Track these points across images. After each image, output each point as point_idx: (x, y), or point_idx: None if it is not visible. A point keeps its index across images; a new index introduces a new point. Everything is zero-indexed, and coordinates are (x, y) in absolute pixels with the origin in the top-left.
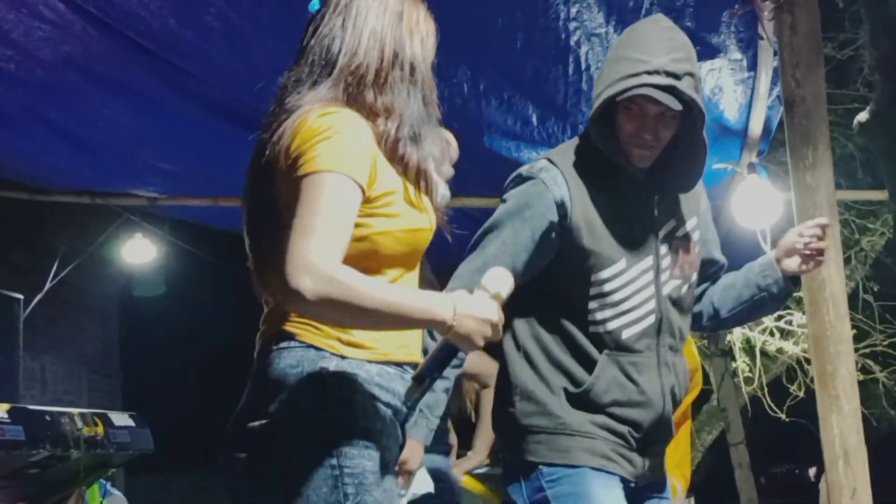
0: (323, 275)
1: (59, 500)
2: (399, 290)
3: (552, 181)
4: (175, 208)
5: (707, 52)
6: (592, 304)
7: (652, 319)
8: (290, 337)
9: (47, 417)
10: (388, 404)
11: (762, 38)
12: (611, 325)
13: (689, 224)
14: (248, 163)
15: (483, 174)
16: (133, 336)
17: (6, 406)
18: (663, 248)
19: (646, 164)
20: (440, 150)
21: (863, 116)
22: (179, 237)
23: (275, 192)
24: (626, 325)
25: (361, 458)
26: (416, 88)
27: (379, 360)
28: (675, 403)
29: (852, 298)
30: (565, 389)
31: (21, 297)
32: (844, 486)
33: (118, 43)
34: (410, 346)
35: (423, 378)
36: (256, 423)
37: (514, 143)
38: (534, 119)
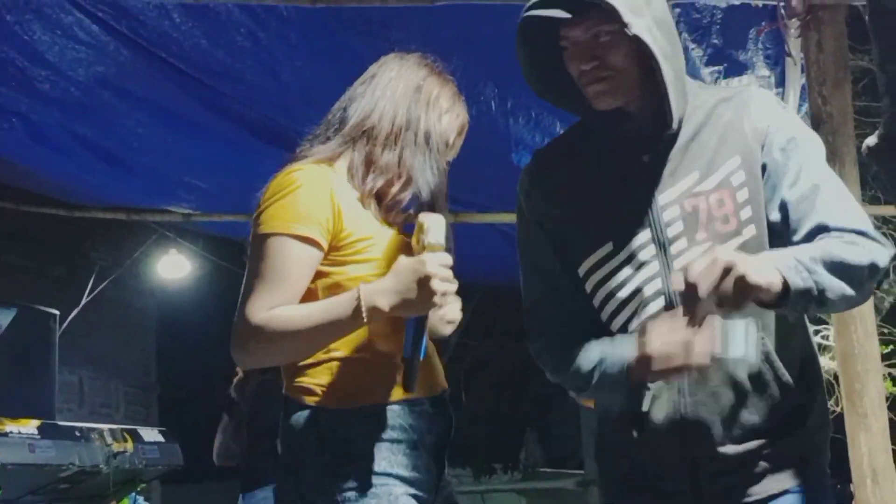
0: (246, 331)
1: None
2: (309, 307)
3: (520, 180)
4: (209, 224)
5: (735, 68)
6: (597, 303)
7: (661, 303)
8: (288, 398)
9: (77, 434)
10: (396, 440)
11: (789, 55)
12: (615, 324)
13: (725, 168)
14: None
15: (512, 190)
16: (169, 349)
17: (37, 422)
18: (670, 213)
19: (607, 102)
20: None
21: (871, 140)
22: (213, 252)
23: None
24: (629, 320)
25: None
26: (431, 156)
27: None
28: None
29: (890, 314)
30: None
31: (57, 312)
32: None
33: (151, 63)
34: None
35: (407, 361)
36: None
37: None
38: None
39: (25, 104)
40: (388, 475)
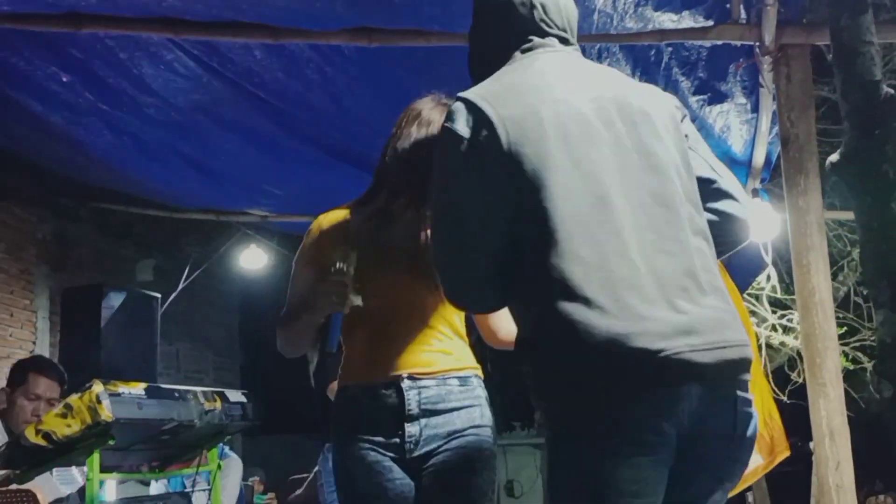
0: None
1: (185, 460)
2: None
3: None
4: (282, 224)
5: (717, 97)
6: None
7: None
8: None
9: (176, 395)
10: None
11: (762, 86)
12: None
13: None
14: None
15: None
16: (249, 325)
17: (144, 385)
18: None
19: None
20: None
21: (834, 157)
22: (286, 247)
23: None
24: None
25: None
26: None
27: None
28: None
29: (845, 301)
30: None
31: (159, 295)
32: (830, 460)
33: (237, 92)
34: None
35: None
36: None
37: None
38: None
39: (135, 125)
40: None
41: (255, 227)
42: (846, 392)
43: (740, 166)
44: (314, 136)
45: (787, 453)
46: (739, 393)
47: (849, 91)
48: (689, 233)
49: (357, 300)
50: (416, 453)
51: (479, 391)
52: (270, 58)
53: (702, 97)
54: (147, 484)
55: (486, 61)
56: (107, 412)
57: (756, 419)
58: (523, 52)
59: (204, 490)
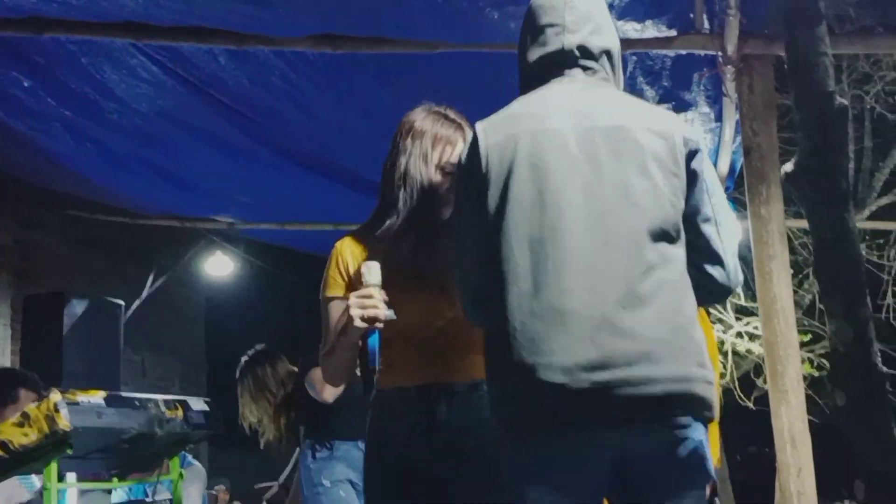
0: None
1: (146, 468)
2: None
3: None
4: (249, 231)
5: (681, 105)
6: None
7: None
8: None
9: (136, 403)
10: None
11: (726, 95)
12: None
13: None
14: None
15: None
16: (215, 333)
17: (104, 393)
18: None
19: None
20: None
21: (788, 167)
22: (252, 254)
23: None
24: None
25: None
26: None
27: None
28: None
29: (810, 308)
30: None
31: (122, 303)
32: (791, 466)
33: (202, 98)
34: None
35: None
36: None
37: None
38: None
39: (99, 131)
40: None
41: (221, 234)
42: (811, 399)
43: None
44: (281, 144)
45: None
46: (666, 424)
47: (803, 102)
48: (644, 268)
49: (390, 313)
50: (440, 462)
51: None
52: (235, 64)
53: (667, 105)
54: (109, 493)
55: (523, 83)
56: (64, 421)
57: (694, 444)
58: (544, 80)
59: (166, 499)
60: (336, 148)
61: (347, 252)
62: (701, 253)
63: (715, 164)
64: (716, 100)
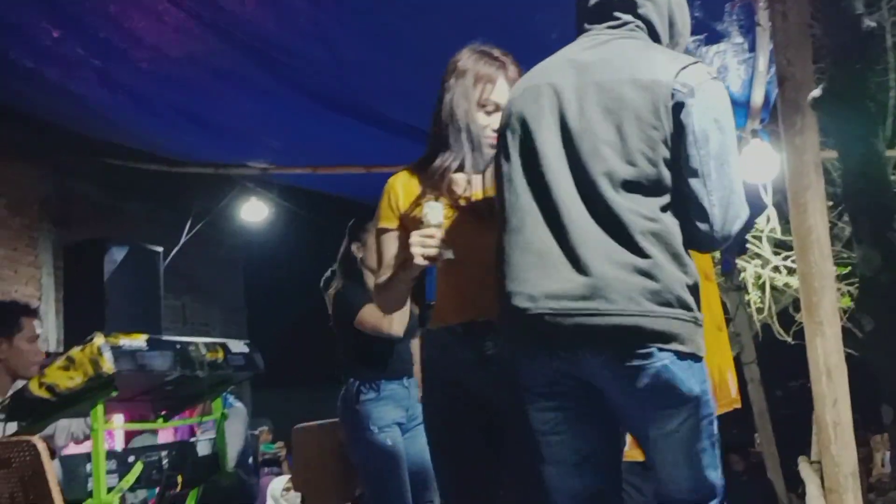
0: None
1: (190, 409)
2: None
3: None
4: (282, 176)
5: (713, 37)
6: None
7: None
8: None
9: (178, 346)
10: None
11: (759, 25)
12: None
13: None
14: None
15: None
16: (254, 278)
17: (145, 336)
18: None
19: None
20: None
21: (816, 93)
22: (286, 199)
23: None
24: None
25: None
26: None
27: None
28: None
29: (849, 241)
30: None
31: (161, 249)
32: (827, 397)
33: (230, 42)
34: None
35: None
36: None
37: None
38: None
39: (129, 79)
40: None
41: (255, 179)
42: (850, 332)
43: (740, 107)
44: (310, 86)
45: (730, 407)
46: (618, 353)
47: (831, 26)
48: (610, 216)
49: (449, 253)
50: (497, 392)
51: None
52: (262, 7)
53: (698, 37)
54: (155, 433)
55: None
56: (108, 364)
57: (655, 370)
58: (581, 30)
59: (209, 439)
60: (365, 89)
61: (399, 187)
62: (687, 204)
63: (749, 96)
64: (749, 29)
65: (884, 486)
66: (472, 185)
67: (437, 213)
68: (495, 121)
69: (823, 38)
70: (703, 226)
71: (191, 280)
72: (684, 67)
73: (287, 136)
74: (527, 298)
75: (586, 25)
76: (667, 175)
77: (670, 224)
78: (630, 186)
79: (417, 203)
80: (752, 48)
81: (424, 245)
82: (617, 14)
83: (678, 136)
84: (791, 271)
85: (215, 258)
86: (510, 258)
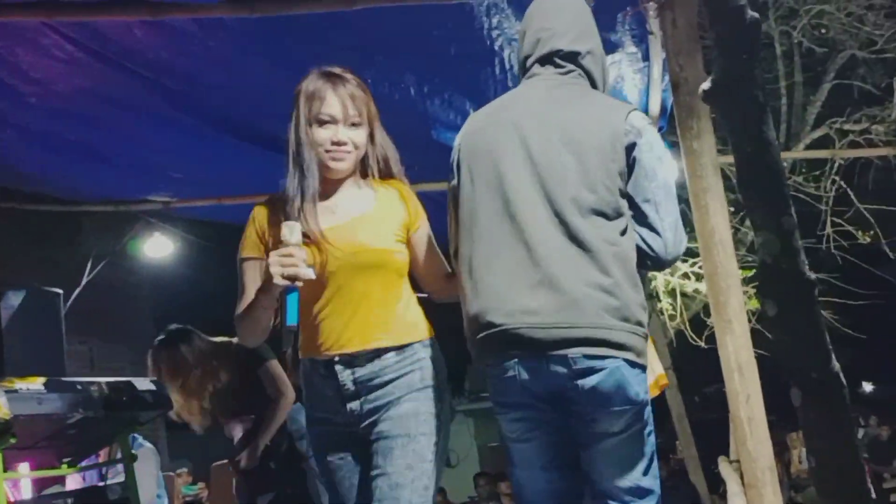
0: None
1: (95, 453)
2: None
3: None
4: (186, 209)
5: (608, 47)
6: None
7: None
8: None
9: (78, 387)
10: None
11: (651, 33)
12: None
13: None
14: None
15: (433, 162)
16: (163, 315)
17: (43, 379)
18: None
19: None
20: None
21: (706, 85)
22: (192, 232)
23: None
24: None
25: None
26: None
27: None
28: None
29: (753, 245)
30: None
31: (61, 291)
32: (740, 393)
33: (122, 73)
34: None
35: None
36: None
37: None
38: (471, 112)
39: (18, 116)
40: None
41: (157, 214)
42: (758, 332)
43: None
44: (209, 114)
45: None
46: (584, 358)
47: (716, 18)
48: (576, 240)
49: (310, 273)
50: (362, 426)
51: (422, 354)
52: (152, 35)
53: None
54: (64, 481)
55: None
56: (4, 410)
57: (610, 371)
58: (527, 77)
59: (119, 483)
60: (264, 114)
61: (262, 215)
62: (642, 227)
63: (646, 105)
64: (642, 38)
65: (802, 483)
66: (309, 211)
67: (295, 232)
68: (333, 132)
69: (710, 30)
70: (657, 245)
71: (96, 323)
72: (630, 112)
73: (189, 167)
74: (503, 315)
75: (536, 68)
76: (623, 203)
77: (628, 248)
78: (593, 212)
79: (279, 224)
80: (646, 57)
81: (283, 265)
82: (561, 63)
83: (631, 170)
84: (700, 277)
85: (121, 298)
86: (482, 278)
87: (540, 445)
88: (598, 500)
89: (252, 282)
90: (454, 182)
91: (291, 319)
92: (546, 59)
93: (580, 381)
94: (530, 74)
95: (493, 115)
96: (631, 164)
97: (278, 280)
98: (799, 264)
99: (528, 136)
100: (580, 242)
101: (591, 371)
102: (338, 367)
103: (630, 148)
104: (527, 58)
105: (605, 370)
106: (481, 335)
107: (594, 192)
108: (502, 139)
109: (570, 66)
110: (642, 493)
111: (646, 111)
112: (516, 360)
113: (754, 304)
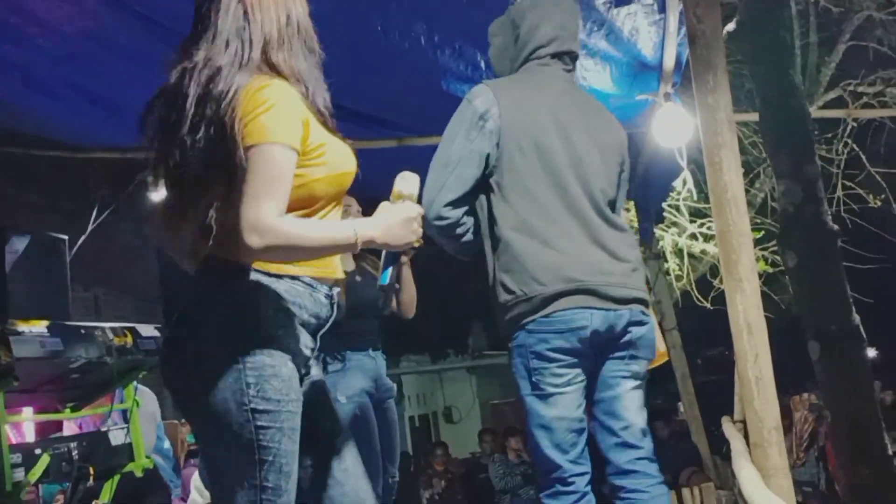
0: (264, 230)
1: (98, 398)
2: (314, 226)
3: None
4: None
5: None
6: None
7: None
8: (213, 258)
9: (82, 331)
10: (293, 314)
11: None
12: None
13: None
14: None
15: (444, 113)
16: (170, 265)
17: (45, 322)
18: None
19: None
20: (322, 97)
21: (730, 26)
22: None
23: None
24: None
25: (262, 356)
26: (305, 46)
27: (287, 276)
28: None
29: (762, 207)
30: None
31: (66, 237)
32: (748, 353)
33: (128, 15)
34: (318, 266)
35: (384, 287)
36: (180, 333)
37: (468, 85)
38: (482, 64)
39: (24, 58)
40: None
41: None
42: (766, 295)
43: (651, 71)
44: None
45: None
46: (634, 310)
47: None
48: (604, 222)
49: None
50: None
51: None
52: None
53: (608, 2)
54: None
55: (524, 59)
56: (6, 351)
57: (647, 328)
58: (539, 63)
59: (122, 428)
60: None
61: (307, 112)
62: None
63: (661, 58)
64: None
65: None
66: None
67: (411, 183)
68: None
69: None
70: (643, 230)
71: (102, 271)
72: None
73: None
74: (583, 272)
75: (548, 59)
76: (621, 196)
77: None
78: (611, 203)
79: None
80: (662, 9)
81: (416, 231)
82: (569, 63)
83: (628, 168)
84: (707, 238)
85: (127, 247)
86: (550, 240)
87: (579, 390)
88: (619, 442)
89: (291, 181)
90: (494, 142)
91: (384, 279)
92: (558, 56)
93: (634, 329)
94: (543, 63)
95: (530, 96)
96: (628, 162)
97: (416, 244)
98: (822, 213)
99: (568, 128)
100: (615, 225)
101: (641, 323)
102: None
103: (628, 149)
104: (539, 47)
105: (648, 325)
106: (560, 287)
107: (612, 187)
108: (544, 124)
109: (573, 67)
110: (647, 432)
111: (660, 66)
112: (593, 309)
113: (762, 267)
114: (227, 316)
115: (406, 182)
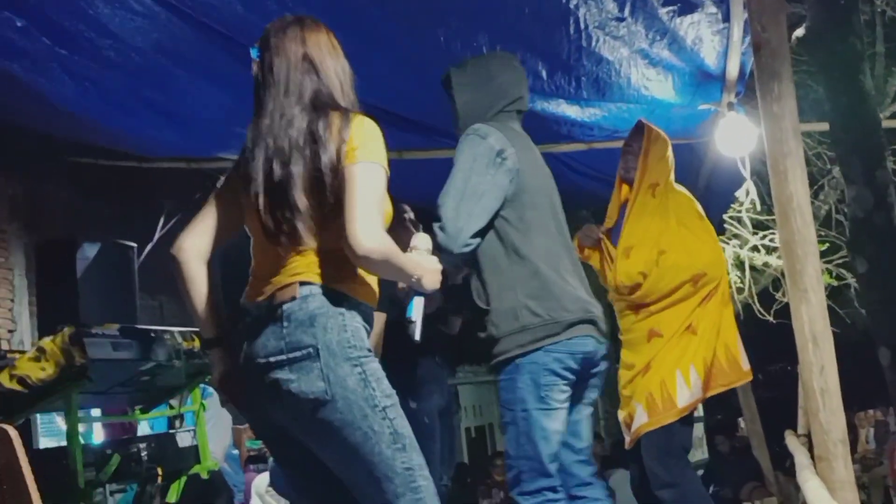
0: (374, 244)
1: (167, 401)
2: (406, 256)
3: None
4: None
5: (687, 7)
6: None
7: None
8: (313, 284)
9: (152, 335)
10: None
11: None
12: None
13: None
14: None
15: None
16: (231, 274)
17: (118, 326)
18: None
19: None
20: None
21: (800, 32)
22: None
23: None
24: None
25: (372, 363)
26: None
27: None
28: None
29: (827, 219)
30: None
31: (135, 245)
32: (814, 364)
33: (197, 29)
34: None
35: (411, 321)
36: (298, 353)
37: (529, 96)
38: (543, 74)
39: (96, 70)
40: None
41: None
42: (831, 309)
43: (715, 80)
44: None
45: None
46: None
47: None
48: (578, 264)
49: None
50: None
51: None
52: None
53: (671, 8)
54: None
55: (490, 106)
56: (81, 352)
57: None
58: (515, 119)
59: (188, 430)
60: None
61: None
62: None
63: (724, 67)
64: None
65: (869, 462)
66: None
67: (425, 242)
68: None
69: None
70: None
71: (167, 279)
72: None
73: None
74: (591, 305)
75: (515, 115)
76: None
77: None
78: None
79: None
80: (727, 18)
81: (439, 280)
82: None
83: None
84: (770, 250)
85: None
86: (563, 275)
87: (567, 408)
88: (581, 459)
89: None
90: (510, 179)
91: (410, 312)
92: (520, 112)
93: (602, 363)
94: (513, 117)
95: (527, 148)
96: None
97: (433, 287)
98: (893, 219)
99: (551, 181)
100: (579, 269)
101: (606, 358)
102: None
103: None
104: (516, 100)
105: (609, 361)
106: (581, 316)
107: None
108: (541, 174)
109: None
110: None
111: (723, 75)
112: (593, 338)
113: (827, 280)
114: (345, 336)
115: (422, 240)
